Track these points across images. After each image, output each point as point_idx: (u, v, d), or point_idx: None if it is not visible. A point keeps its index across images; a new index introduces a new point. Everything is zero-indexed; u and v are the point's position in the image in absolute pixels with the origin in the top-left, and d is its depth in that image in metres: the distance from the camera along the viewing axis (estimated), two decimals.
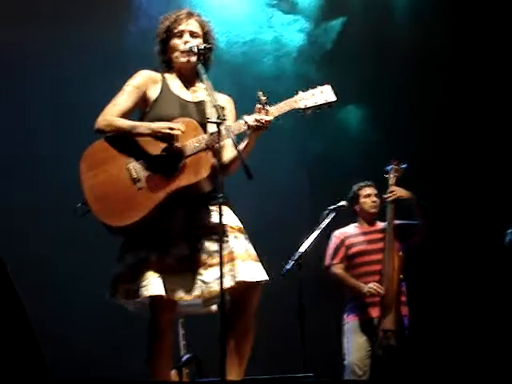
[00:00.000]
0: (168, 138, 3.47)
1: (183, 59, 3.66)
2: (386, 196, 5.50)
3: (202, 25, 3.73)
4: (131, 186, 3.47)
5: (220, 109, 3.35)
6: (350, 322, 5.50)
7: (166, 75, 3.72)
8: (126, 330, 5.38)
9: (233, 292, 3.46)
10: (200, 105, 3.65)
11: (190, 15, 3.73)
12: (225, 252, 3.37)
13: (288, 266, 4.99)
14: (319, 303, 5.67)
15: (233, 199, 3.58)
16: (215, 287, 3.41)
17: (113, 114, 3.57)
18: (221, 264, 3.25)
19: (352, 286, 5.49)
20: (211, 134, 3.46)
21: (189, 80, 3.73)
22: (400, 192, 5.48)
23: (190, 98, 3.69)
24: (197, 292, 3.46)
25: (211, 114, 3.48)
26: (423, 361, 5.89)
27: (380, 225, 5.67)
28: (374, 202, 5.64)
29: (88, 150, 3.56)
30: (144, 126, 3.52)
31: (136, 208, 3.43)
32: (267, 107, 3.51)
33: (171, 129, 3.46)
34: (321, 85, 3.63)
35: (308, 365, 4.74)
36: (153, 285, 3.39)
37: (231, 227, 3.54)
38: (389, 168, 5.57)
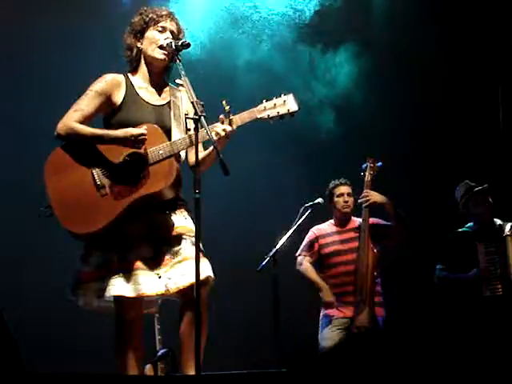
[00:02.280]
0: (135, 144, 3.50)
1: (160, 55, 3.65)
2: (360, 200, 5.48)
3: (179, 28, 3.76)
4: (95, 193, 3.49)
5: (198, 105, 3.37)
6: (325, 316, 5.50)
7: (131, 76, 3.70)
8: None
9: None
10: (164, 108, 3.68)
11: (172, 15, 3.75)
12: (189, 252, 3.48)
13: (263, 262, 5.04)
14: (294, 299, 5.70)
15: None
16: (180, 283, 3.47)
17: (74, 120, 3.55)
18: (197, 259, 3.27)
19: (313, 281, 5.52)
20: (189, 130, 3.49)
21: (155, 79, 3.73)
22: (375, 197, 5.45)
23: (156, 100, 3.70)
24: (162, 289, 3.49)
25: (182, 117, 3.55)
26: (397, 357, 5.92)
27: (356, 221, 5.65)
28: (345, 201, 5.60)
29: (52, 154, 3.57)
30: (108, 135, 3.52)
31: (99, 215, 3.46)
32: (231, 116, 3.55)
33: (134, 136, 3.48)
34: (285, 94, 3.66)
35: (282, 360, 4.78)
36: (115, 285, 3.44)
37: (190, 230, 3.60)
38: (364, 166, 5.56)
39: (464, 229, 5.60)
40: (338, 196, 5.64)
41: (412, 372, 3.05)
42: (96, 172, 3.51)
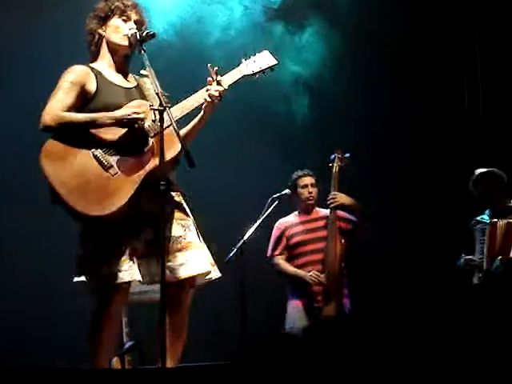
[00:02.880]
0: (134, 122, 3.49)
1: (125, 42, 3.65)
2: (328, 201, 5.50)
3: (143, 20, 3.76)
4: (105, 174, 3.45)
5: (163, 96, 3.37)
6: (292, 308, 5.53)
7: (95, 65, 3.69)
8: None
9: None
10: (137, 89, 3.70)
11: (137, 6, 3.76)
12: (189, 239, 3.53)
13: (231, 254, 5.04)
14: (261, 290, 5.70)
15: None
16: (183, 273, 3.50)
17: (60, 110, 3.51)
18: (162, 256, 3.27)
19: (294, 275, 5.53)
20: (153, 121, 3.48)
21: (119, 66, 3.73)
22: (343, 199, 5.48)
23: (125, 83, 3.71)
24: (171, 278, 3.49)
25: (154, 101, 3.51)
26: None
27: (321, 212, 5.68)
28: (310, 193, 5.61)
29: (46, 145, 3.51)
30: (107, 116, 3.50)
31: (116, 195, 3.41)
32: (218, 78, 3.62)
33: (136, 113, 3.48)
34: (259, 52, 3.80)
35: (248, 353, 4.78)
36: (128, 270, 3.42)
37: (188, 215, 3.63)
38: (332, 157, 5.59)
39: (482, 216, 5.56)
40: (302, 187, 5.64)
41: (377, 362, 3.07)
42: (99, 153, 3.48)
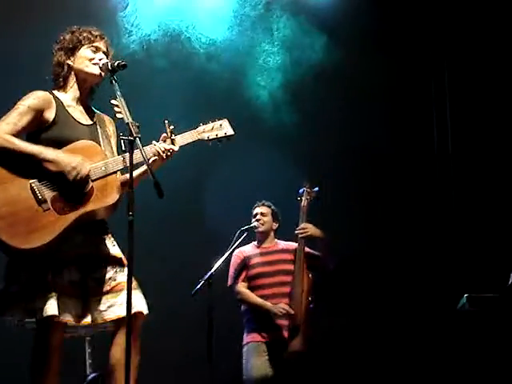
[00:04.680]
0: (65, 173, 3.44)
1: (96, 70, 3.64)
2: (297, 232, 5.49)
3: (109, 50, 3.77)
4: (36, 207, 3.40)
5: (134, 126, 3.35)
6: (252, 342, 5.47)
7: (57, 94, 3.66)
8: None
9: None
10: (93, 128, 3.67)
11: (104, 36, 3.76)
12: (119, 281, 3.47)
13: (198, 286, 5.01)
14: (228, 323, 5.67)
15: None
16: (109, 315, 3.45)
17: (6, 132, 3.45)
18: (129, 289, 3.22)
19: (259, 305, 5.46)
20: (124, 151, 3.46)
21: (83, 99, 3.72)
22: (312, 230, 5.48)
23: (85, 119, 3.69)
24: (88, 319, 3.46)
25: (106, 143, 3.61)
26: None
27: (280, 244, 5.73)
28: (258, 220, 5.68)
29: None
30: (50, 154, 3.44)
31: (43, 230, 3.36)
32: (173, 136, 3.65)
33: (75, 168, 3.43)
34: (219, 119, 3.83)
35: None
36: (51, 305, 3.34)
37: (120, 257, 3.59)
38: (301, 191, 5.59)
39: None
40: (253, 216, 5.72)
41: None
42: (36, 185, 3.42)
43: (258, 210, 5.74)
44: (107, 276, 3.51)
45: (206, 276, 5.01)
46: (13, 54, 6.13)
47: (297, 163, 6.63)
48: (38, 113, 3.54)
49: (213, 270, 5.04)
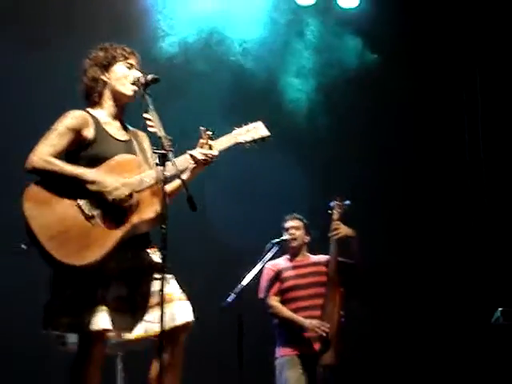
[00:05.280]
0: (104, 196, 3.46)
1: (130, 92, 3.66)
2: (330, 234, 5.48)
3: (140, 65, 3.77)
4: (85, 224, 3.41)
5: (166, 139, 3.37)
6: (285, 356, 5.45)
7: (93, 111, 3.67)
8: None
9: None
10: (129, 143, 3.69)
11: (136, 53, 3.79)
12: (167, 292, 3.42)
13: (229, 299, 4.99)
14: (260, 338, 5.65)
15: None
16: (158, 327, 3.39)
17: (49, 154, 3.47)
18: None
19: (291, 319, 5.44)
20: (157, 164, 3.46)
21: (118, 115, 3.73)
22: (345, 230, 5.48)
23: (121, 136, 3.70)
24: (140, 331, 3.46)
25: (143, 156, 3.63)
26: None
27: (311, 258, 5.71)
28: (291, 234, 5.65)
29: (30, 187, 3.45)
30: (92, 175, 3.46)
31: (94, 246, 3.37)
32: (210, 142, 3.62)
33: (117, 188, 3.45)
34: (251, 122, 3.81)
35: None
36: (101, 318, 3.34)
37: (166, 269, 3.54)
38: (332, 204, 5.58)
39: None
40: (285, 230, 5.69)
41: None
42: (83, 203, 3.44)
43: (290, 223, 5.71)
44: (155, 288, 3.50)
45: (238, 290, 4.99)
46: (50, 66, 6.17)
47: (324, 168, 6.63)
48: (77, 133, 3.55)
49: (244, 284, 5.02)
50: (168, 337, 3.40)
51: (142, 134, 3.79)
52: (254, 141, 3.77)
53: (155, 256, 3.60)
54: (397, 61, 7.02)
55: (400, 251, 6.82)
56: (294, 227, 5.69)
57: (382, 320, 6.66)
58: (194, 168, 3.62)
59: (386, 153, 6.95)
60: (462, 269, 6.85)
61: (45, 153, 3.47)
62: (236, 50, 6.95)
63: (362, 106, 7.03)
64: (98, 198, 3.45)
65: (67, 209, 3.42)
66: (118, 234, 3.42)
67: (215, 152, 3.62)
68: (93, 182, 3.45)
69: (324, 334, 5.27)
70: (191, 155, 3.58)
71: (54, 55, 6.10)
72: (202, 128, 3.64)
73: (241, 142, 3.73)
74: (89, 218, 3.42)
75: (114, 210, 3.45)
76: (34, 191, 3.45)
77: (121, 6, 6.58)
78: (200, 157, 3.57)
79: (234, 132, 3.74)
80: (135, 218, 3.45)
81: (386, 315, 6.70)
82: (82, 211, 3.43)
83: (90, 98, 3.71)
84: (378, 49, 7.00)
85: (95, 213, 3.44)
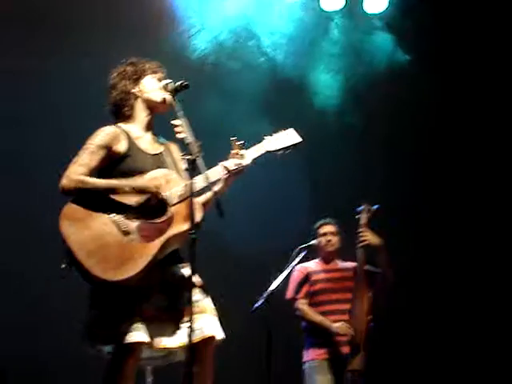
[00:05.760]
0: (153, 195, 3.51)
1: (160, 98, 3.68)
2: (357, 241, 5.48)
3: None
4: (122, 238, 3.43)
5: (194, 145, 3.36)
6: (315, 359, 5.47)
7: (124, 126, 3.69)
8: None
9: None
10: (160, 157, 3.72)
11: (162, 67, 3.83)
12: (199, 304, 3.48)
13: (258, 304, 5.00)
14: (288, 342, 5.65)
15: None
16: (196, 336, 3.40)
17: (81, 174, 3.50)
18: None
19: (319, 323, 5.46)
20: (186, 169, 3.48)
21: (149, 128, 3.76)
22: (372, 238, 5.47)
23: (152, 149, 3.73)
24: (183, 339, 3.45)
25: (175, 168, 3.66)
26: None
27: (340, 264, 5.71)
28: (328, 240, 5.66)
29: (66, 207, 3.48)
30: (128, 186, 3.50)
31: (133, 260, 3.38)
32: (241, 152, 3.65)
33: (156, 186, 3.50)
34: (283, 129, 3.83)
35: None
36: (139, 330, 3.37)
37: (201, 284, 3.63)
38: (360, 209, 5.59)
39: None
40: (321, 235, 5.68)
41: None
42: (118, 218, 3.47)
43: (328, 228, 5.71)
44: (193, 298, 3.43)
45: (266, 294, 4.99)
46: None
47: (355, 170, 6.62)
48: (108, 150, 3.58)
49: (272, 289, 5.02)
50: (198, 348, 3.43)
51: (173, 146, 3.82)
52: (286, 148, 3.77)
53: (187, 270, 3.60)
54: (429, 60, 6.98)
55: (430, 258, 6.79)
56: (331, 232, 5.70)
57: (412, 325, 6.62)
58: (227, 178, 3.63)
59: (416, 157, 6.92)
60: (496, 276, 6.78)
61: (76, 172, 3.50)
62: (266, 48, 6.98)
63: (393, 106, 7.00)
64: (133, 212, 3.48)
65: (103, 225, 3.44)
66: (155, 246, 3.43)
67: (248, 161, 3.64)
68: (132, 188, 3.49)
69: (349, 337, 5.28)
70: (224, 166, 3.61)
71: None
72: (232, 138, 3.66)
73: (272, 150, 3.75)
74: (125, 232, 3.45)
75: (149, 223, 3.47)
76: (71, 210, 3.47)
77: (153, 4, 6.61)
78: (233, 167, 3.60)
79: (264, 141, 3.75)
80: (170, 231, 3.46)
81: (417, 321, 6.66)
82: (119, 226, 3.45)
83: (122, 112, 3.74)
84: (411, 49, 6.98)
85: (131, 228, 3.46)
